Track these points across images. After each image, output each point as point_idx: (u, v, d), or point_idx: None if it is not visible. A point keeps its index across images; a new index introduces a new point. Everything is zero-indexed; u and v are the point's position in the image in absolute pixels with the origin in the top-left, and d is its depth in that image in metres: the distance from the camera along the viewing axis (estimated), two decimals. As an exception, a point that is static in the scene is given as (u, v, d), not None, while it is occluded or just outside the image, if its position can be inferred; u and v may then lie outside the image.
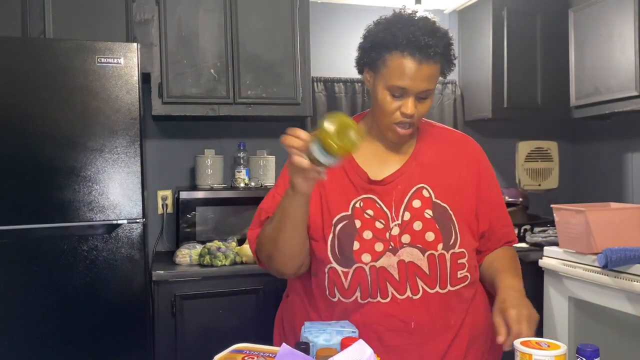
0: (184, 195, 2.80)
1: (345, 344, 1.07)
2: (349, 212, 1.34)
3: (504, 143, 3.46)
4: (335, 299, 1.34)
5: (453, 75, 3.49)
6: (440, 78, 1.35)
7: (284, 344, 1.02)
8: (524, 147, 3.26)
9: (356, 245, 1.32)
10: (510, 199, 3.14)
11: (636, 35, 2.64)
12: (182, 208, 2.79)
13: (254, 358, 1.04)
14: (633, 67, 2.65)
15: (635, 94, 2.65)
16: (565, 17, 3.09)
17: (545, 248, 2.69)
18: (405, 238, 1.32)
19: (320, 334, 1.17)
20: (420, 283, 1.31)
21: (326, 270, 1.34)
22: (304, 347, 1.07)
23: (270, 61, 2.83)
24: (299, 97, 2.86)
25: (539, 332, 2.69)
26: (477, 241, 1.41)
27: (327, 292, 1.35)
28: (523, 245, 2.90)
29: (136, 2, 2.65)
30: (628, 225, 2.40)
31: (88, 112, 2.23)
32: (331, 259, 1.33)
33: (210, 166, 2.96)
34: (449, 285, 1.32)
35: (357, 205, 1.34)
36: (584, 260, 2.43)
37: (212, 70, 2.75)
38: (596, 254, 2.33)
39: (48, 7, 2.49)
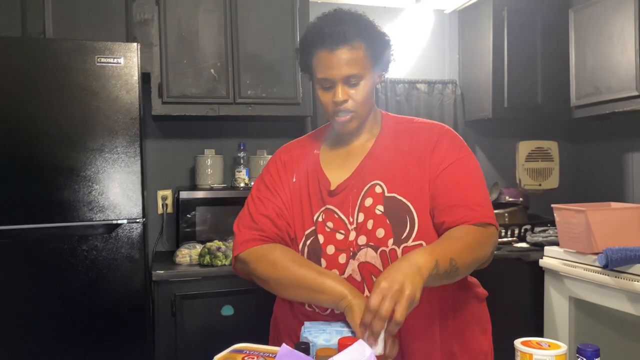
0: (184, 195, 2.79)
1: (342, 344, 1.07)
2: (314, 227, 1.34)
3: (504, 143, 3.46)
4: (311, 310, 1.35)
5: (453, 75, 3.50)
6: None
7: (284, 344, 1.02)
8: (524, 147, 3.27)
9: (323, 263, 1.32)
10: (510, 199, 3.14)
11: (636, 35, 2.64)
12: (182, 208, 2.79)
13: (254, 358, 1.04)
14: (633, 67, 2.65)
15: (636, 94, 2.65)
16: (566, 17, 3.10)
17: (546, 248, 2.70)
18: (362, 239, 1.31)
19: (320, 334, 1.17)
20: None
21: None
22: (304, 347, 1.07)
23: (270, 61, 2.83)
24: (299, 97, 2.86)
25: (539, 332, 2.69)
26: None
27: (306, 305, 1.36)
28: (523, 245, 2.90)
29: (136, 2, 2.65)
30: (628, 225, 2.40)
31: (88, 112, 2.23)
32: None
33: (210, 166, 2.96)
34: None
35: (319, 219, 1.34)
36: (585, 260, 2.43)
37: (212, 70, 2.75)
38: (597, 253, 2.33)
39: (48, 7, 2.49)
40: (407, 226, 1.30)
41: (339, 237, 1.32)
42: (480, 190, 1.34)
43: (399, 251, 1.28)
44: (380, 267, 1.29)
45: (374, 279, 1.28)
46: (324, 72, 1.29)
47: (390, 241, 1.29)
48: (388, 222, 1.30)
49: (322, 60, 1.29)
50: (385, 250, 1.29)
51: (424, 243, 1.29)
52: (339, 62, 1.27)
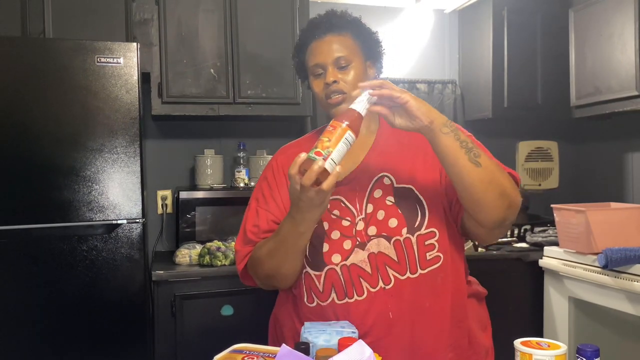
0: (183, 195, 2.79)
1: (342, 344, 1.07)
2: None
3: (504, 143, 3.45)
4: (314, 304, 1.36)
5: (453, 75, 3.50)
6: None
7: (283, 344, 1.02)
8: (524, 147, 3.27)
9: (325, 247, 1.34)
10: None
11: (636, 35, 2.64)
12: (181, 208, 2.79)
13: (253, 358, 1.04)
14: (633, 67, 2.65)
15: (636, 93, 2.65)
16: (566, 17, 3.09)
17: (546, 248, 2.70)
18: (372, 230, 1.33)
19: (320, 335, 1.17)
20: (390, 272, 1.31)
21: (302, 275, 1.37)
22: (304, 348, 1.07)
23: (270, 61, 2.83)
24: (299, 97, 2.86)
25: (539, 332, 2.70)
26: (454, 217, 1.36)
27: (305, 299, 1.37)
28: (523, 245, 2.90)
29: (136, 2, 2.65)
30: (628, 225, 2.40)
31: (88, 112, 2.23)
32: (304, 263, 1.36)
33: (210, 166, 2.96)
34: (419, 269, 1.31)
35: None
36: (584, 260, 2.43)
37: (212, 70, 2.75)
38: (596, 254, 2.33)
39: (48, 7, 2.49)
40: (418, 215, 1.33)
41: (345, 223, 1.35)
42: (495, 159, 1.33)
43: (413, 239, 1.32)
44: (395, 257, 1.31)
45: (388, 269, 1.31)
46: (314, 59, 1.37)
47: (404, 230, 1.32)
48: (400, 212, 1.33)
49: (312, 50, 1.38)
50: (399, 240, 1.32)
51: (436, 230, 1.33)
52: (329, 48, 1.35)
